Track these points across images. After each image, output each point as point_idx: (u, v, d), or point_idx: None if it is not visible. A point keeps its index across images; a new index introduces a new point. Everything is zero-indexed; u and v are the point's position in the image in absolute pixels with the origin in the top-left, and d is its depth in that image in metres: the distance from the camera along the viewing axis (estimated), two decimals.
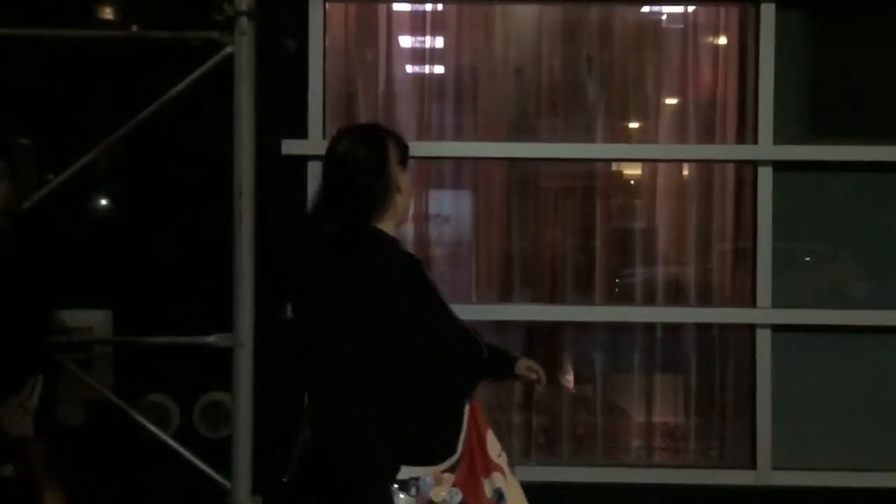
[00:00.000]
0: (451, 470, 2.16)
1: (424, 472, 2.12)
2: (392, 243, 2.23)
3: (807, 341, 3.71)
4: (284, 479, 2.31)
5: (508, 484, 2.29)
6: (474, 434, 2.27)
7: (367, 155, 2.22)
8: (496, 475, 2.27)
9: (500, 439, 2.31)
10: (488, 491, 2.24)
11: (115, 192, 3.68)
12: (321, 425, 2.20)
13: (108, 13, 3.64)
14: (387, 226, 2.25)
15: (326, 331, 2.16)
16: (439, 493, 2.11)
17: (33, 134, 3.04)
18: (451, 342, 2.24)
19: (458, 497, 2.14)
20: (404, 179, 2.29)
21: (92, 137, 3.40)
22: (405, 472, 2.10)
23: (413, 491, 2.10)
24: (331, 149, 2.28)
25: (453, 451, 2.20)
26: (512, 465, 2.34)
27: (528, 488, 2.31)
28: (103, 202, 3.67)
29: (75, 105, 3.53)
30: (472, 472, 2.23)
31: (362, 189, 2.20)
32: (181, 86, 3.26)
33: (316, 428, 2.23)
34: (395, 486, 2.09)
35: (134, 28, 3.44)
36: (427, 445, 2.17)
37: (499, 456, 2.30)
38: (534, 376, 2.46)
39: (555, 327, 3.87)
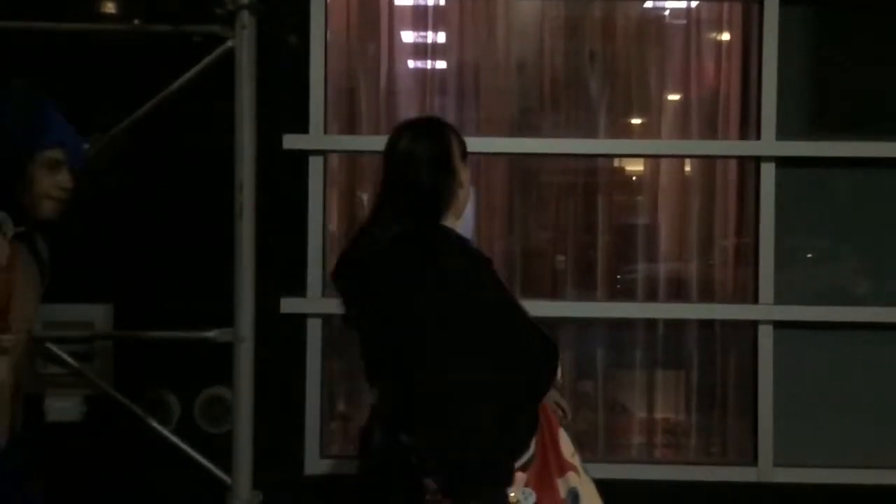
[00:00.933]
0: (523, 469, 2.08)
1: None
2: (463, 241, 2.15)
3: (809, 338, 3.69)
4: (357, 477, 2.23)
5: (583, 484, 2.21)
6: (546, 432, 2.20)
7: (432, 151, 2.15)
8: (571, 475, 2.19)
9: None
10: (563, 491, 2.16)
11: (116, 186, 3.67)
12: (411, 426, 2.09)
13: (109, 7, 3.64)
14: (449, 222, 2.17)
15: (410, 333, 2.06)
16: (513, 493, 2.03)
17: None
18: (530, 335, 2.16)
19: (532, 498, 2.05)
20: (465, 174, 2.22)
21: (92, 132, 3.39)
22: None
23: None
24: (391, 146, 2.18)
25: (527, 448, 2.12)
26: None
27: None
28: (104, 196, 3.65)
29: (76, 99, 3.50)
30: (546, 471, 2.15)
31: (430, 187, 2.12)
32: (182, 80, 3.25)
33: (390, 428, 2.13)
34: None
35: (135, 22, 3.43)
36: (506, 443, 2.08)
37: (573, 455, 2.23)
38: (559, 413, 2.36)
39: (556, 323, 3.86)
